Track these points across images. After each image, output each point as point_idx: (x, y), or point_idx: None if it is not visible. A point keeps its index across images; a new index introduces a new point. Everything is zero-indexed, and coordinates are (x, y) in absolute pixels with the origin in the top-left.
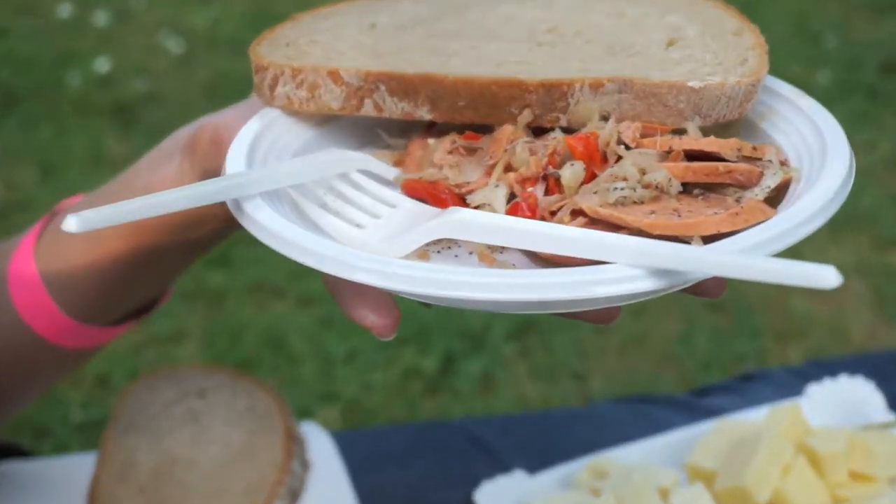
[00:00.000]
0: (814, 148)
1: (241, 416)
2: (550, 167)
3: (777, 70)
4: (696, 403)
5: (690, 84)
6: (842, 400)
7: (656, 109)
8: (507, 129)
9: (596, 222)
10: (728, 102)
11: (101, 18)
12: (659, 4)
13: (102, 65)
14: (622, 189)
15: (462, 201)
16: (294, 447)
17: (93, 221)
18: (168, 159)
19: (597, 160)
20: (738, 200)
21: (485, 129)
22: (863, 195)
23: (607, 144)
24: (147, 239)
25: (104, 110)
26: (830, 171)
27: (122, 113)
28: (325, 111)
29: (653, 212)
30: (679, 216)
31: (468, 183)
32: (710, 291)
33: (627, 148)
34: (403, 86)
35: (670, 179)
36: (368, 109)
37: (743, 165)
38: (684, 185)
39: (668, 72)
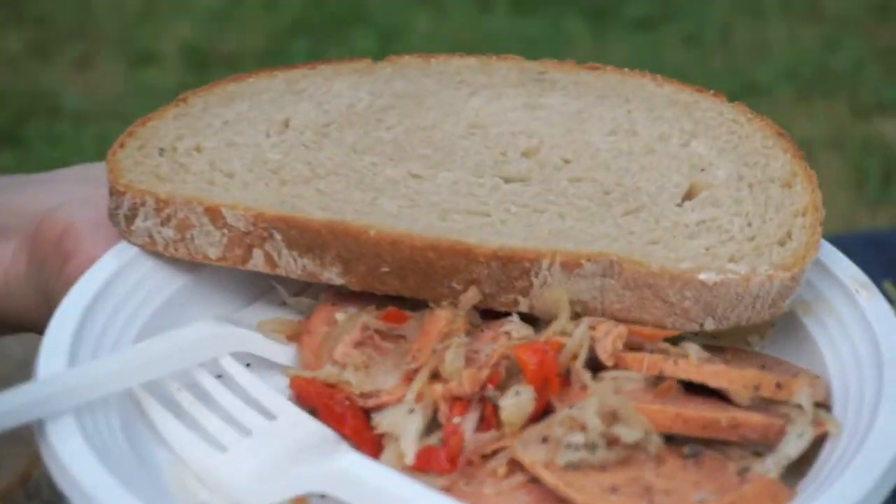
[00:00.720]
0: (867, 376)
1: None
2: (491, 387)
3: None
4: None
5: (702, 278)
6: None
7: (652, 305)
8: (440, 318)
9: (538, 483)
10: (754, 303)
11: None
12: (685, 115)
13: None
14: (577, 448)
15: (366, 419)
16: None
17: None
18: None
19: (554, 385)
20: (742, 473)
21: (417, 303)
22: (840, 50)
23: (573, 359)
24: None
25: None
26: (882, 434)
27: None
28: (200, 260)
29: (614, 488)
30: (650, 502)
31: (378, 393)
32: None
33: (599, 368)
34: (307, 238)
35: (648, 435)
36: (258, 263)
37: (757, 418)
38: (671, 436)
39: (674, 248)
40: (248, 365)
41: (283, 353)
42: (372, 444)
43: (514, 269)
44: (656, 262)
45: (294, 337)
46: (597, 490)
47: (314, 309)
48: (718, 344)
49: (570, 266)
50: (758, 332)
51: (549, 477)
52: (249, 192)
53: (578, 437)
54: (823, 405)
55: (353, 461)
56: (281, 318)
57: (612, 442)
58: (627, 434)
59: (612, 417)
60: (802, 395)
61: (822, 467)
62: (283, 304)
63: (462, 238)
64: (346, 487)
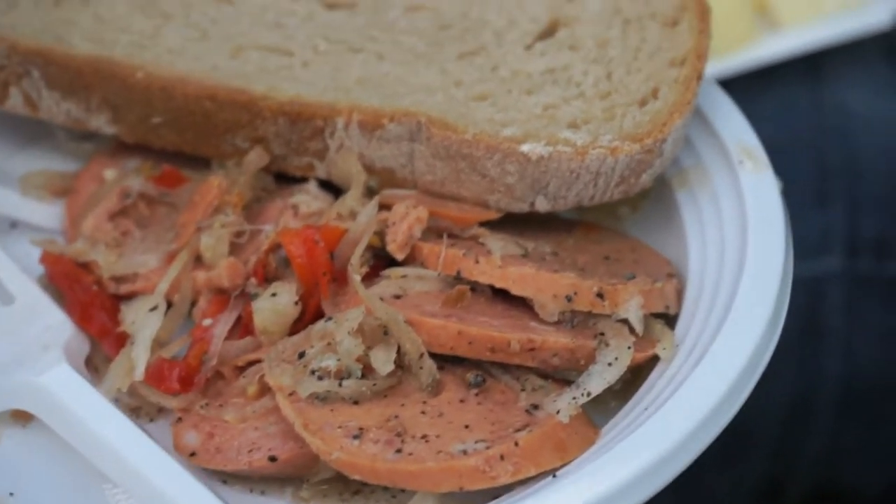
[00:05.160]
0: (726, 274)
1: None
2: (254, 282)
3: None
4: None
5: (524, 150)
6: None
7: (469, 179)
8: (212, 186)
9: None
10: (595, 180)
11: None
12: None
13: None
14: (324, 377)
15: (116, 310)
16: None
17: None
18: None
19: (323, 286)
20: (531, 410)
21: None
22: None
23: (355, 244)
24: None
25: None
26: (711, 369)
27: None
28: None
29: (361, 431)
30: (398, 451)
31: (134, 277)
32: None
33: (384, 263)
34: (68, 77)
35: (421, 357)
36: (16, 104)
37: (559, 339)
38: (457, 359)
39: (505, 106)
40: (13, 226)
41: (49, 213)
42: (119, 344)
43: (304, 127)
44: (474, 126)
45: (62, 193)
46: (338, 434)
47: (88, 162)
48: (582, 218)
49: (370, 126)
50: (629, 204)
51: (288, 410)
52: (11, 15)
53: (329, 362)
54: (666, 315)
55: (56, 379)
56: (48, 170)
57: (367, 371)
58: (382, 363)
59: (380, 334)
60: (630, 308)
61: (642, 398)
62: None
63: (249, 85)
64: (46, 410)
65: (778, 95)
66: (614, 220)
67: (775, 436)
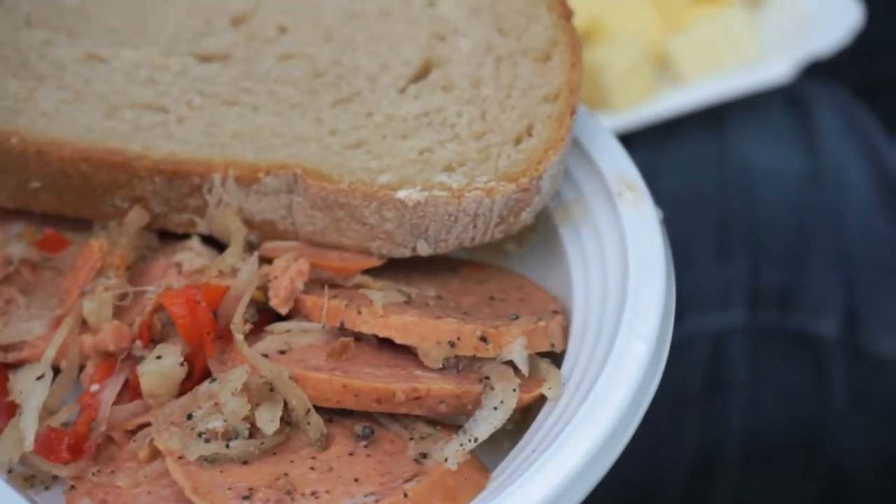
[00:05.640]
0: (609, 308)
1: None
2: (139, 344)
3: None
4: None
5: (400, 196)
6: None
7: (349, 228)
8: (93, 250)
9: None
10: (474, 222)
11: None
12: None
13: None
14: (211, 439)
15: (5, 376)
16: None
17: None
18: None
19: (208, 345)
20: (420, 459)
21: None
22: None
23: (238, 302)
24: None
25: None
26: (594, 409)
27: None
28: None
29: (250, 491)
30: None
31: (21, 345)
32: None
33: (270, 317)
34: None
35: (308, 413)
36: None
37: (444, 386)
38: (347, 410)
39: (380, 153)
40: None
41: None
42: (10, 414)
43: (182, 185)
44: (350, 175)
45: None
46: (228, 495)
47: None
48: (469, 256)
49: (247, 181)
50: (515, 240)
51: (178, 474)
52: None
53: (216, 423)
54: (552, 353)
55: None
56: None
57: (253, 431)
58: (266, 422)
59: (265, 391)
60: (514, 349)
61: (531, 438)
62: None
63: (125, 144)
64: None
65: (681, 149)
66: (501, 256)
67: (679, 489)
